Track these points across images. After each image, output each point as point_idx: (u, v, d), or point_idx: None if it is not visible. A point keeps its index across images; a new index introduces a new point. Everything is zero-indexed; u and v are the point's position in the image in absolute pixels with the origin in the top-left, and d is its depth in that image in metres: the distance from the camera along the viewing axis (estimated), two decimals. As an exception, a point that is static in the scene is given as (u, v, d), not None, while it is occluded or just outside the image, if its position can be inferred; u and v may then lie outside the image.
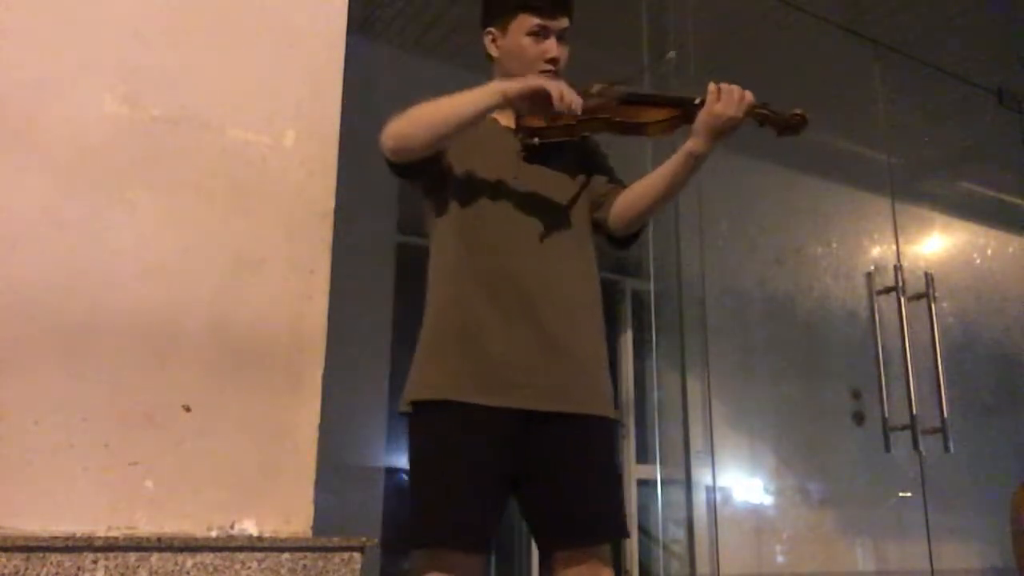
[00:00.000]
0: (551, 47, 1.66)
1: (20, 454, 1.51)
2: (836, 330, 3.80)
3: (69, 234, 1.63)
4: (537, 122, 1.65)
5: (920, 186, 4.33)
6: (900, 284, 3.45)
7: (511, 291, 1.57)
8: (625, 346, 3.64)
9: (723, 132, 1.57)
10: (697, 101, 1.59)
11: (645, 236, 1.75)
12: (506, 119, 1.70)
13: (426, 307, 1.67)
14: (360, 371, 3.10)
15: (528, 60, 1.66)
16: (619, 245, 1.76)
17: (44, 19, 1.70)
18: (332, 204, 1.88)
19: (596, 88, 1.67)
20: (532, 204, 1.63)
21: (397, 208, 3.35)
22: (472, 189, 1.64)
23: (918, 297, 3.48)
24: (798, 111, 1.62)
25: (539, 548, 1.59)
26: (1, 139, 1.61)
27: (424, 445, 1.55)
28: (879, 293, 3.48)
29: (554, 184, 1.67)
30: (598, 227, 1.72)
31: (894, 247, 3.75)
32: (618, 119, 1.64)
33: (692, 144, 1.59)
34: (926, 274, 3.53)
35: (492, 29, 1.72)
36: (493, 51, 1.73)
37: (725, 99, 1.56)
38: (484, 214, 1.61)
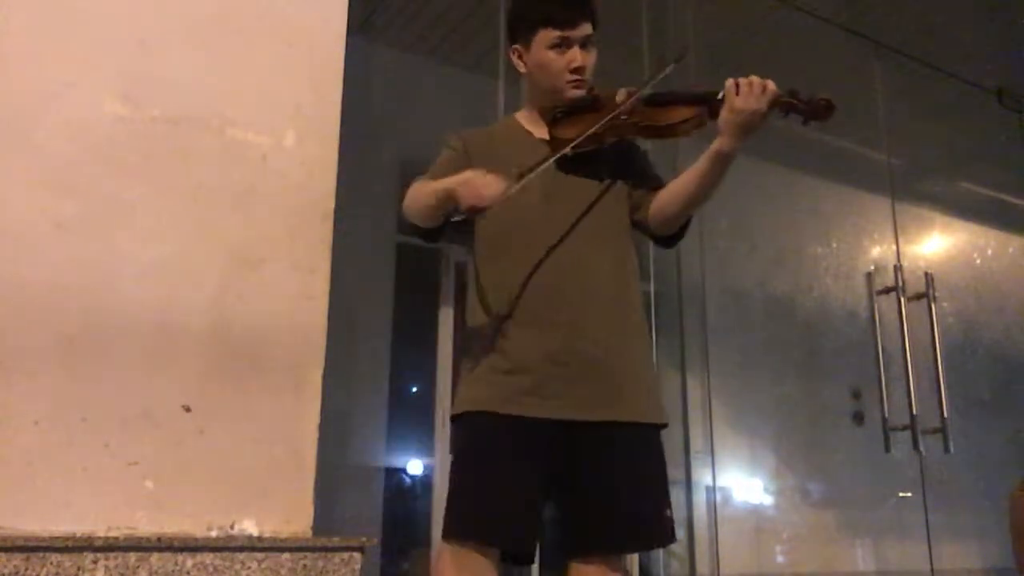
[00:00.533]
0: (574, 57, 1.66)
1: (20, 454, 1.52)
2: (836, 330, 3.81)
3: (69, 234, 1.63)
4: (568, 132, 1.65)
5: (920, 186, 4.33)
6: (900, 284, 3.45)
7: (546, 302, 1.58)
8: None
9: (749, 126, 1.52)
10: (720, 95, 1.55)
11: (690, 230, 1.74)
12: (540, 131, 1.72)
13: (465, 322, 1.69)
14: (360, 371, 3.10)
15: (553, 73, 1.68)
16: (664, 243, 1.75)
17: (45, 20, 1.70)
18: (332, 204, 1.88)
19: (622, 94, 1.66)
20: (566, 214, 1.63)
21: (397, 208, 3.34)
22: (508, 207, 1.61)
23: (918, 297, 3.47)
24: (824, 96, 1.54)
25: (565, 553, 1.57)
26: (2, 139, 1.62)
27: (466, 450, 1.58)
28: (879, 293, 3.48)
29: (590, 192, 1.67)
30: (641, 228, 1.72)
31: (894, 247, 3.75)
32: (644, 123, 1.64)
33: (718, 143, 1.55)
34: (926, 274, 3.53)
35: (517, 46, 1.73)
36: (520, 67, 1.74)
37: (744, 93, 1.51)
38: (518, 228, 1.62)
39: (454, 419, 1.61)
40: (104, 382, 1.60)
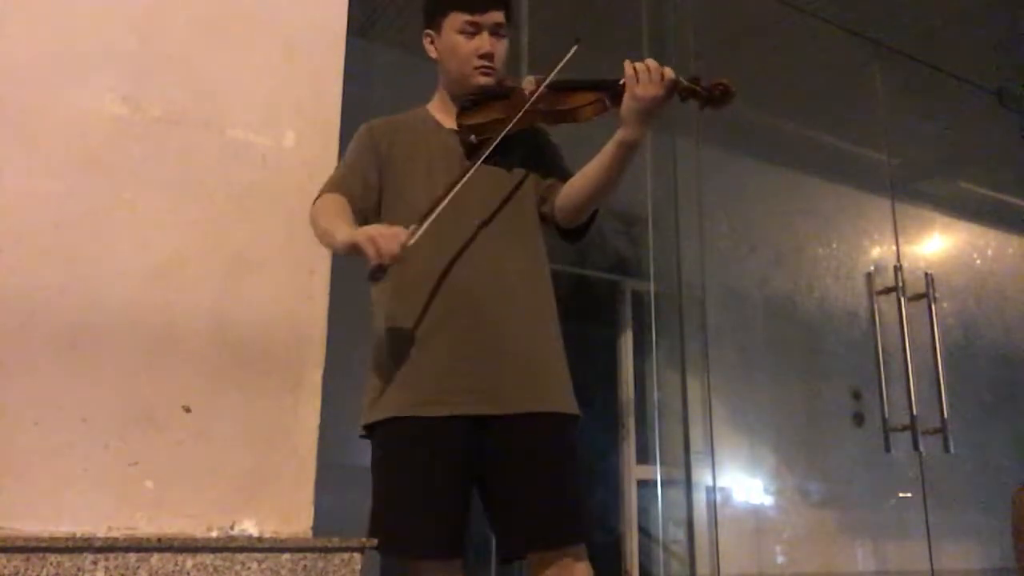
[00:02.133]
0: (483, 43, 1.64)
1: (20, 454, 1.51)
2: (836, 330, 3.81)
3: (69, 234, 1.63)
4: (473, 119, 1.64)
5: (920, 186, 4.34)
6: (900, 284, 3.45)
7: (450, 295, 1.56)
8: (625, 346, 3.63)
9: (649, 113, 1.50)
10: (621, 82, 1.54)
11: (596, 229, 1.71)
12: (450, 121, 1.70)
13: (372, 325, 1.67)
14: (360, 371, 3.10)
15: (461, 58, 1.66)
16: (569, 237, 1.71)
17: (45, 20, 1.70)
18: (332, 204, 1.88)
19: (530, 82, 1.64)
20: (473, 203, 1.60)
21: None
22: (410, 194, 1.63)
23: (918, 297, 3.48)
24: (722, 81, 1.53)
25: (497, 552, 1.57)
26: (2, 139, 1.61)
27: (382, 461, 1.58)
28: (879, 293, 3.49)
29: (498, 181, 1.64)
30: (547, 220, 1.69)
31: (894, 247, 3.75)
32: (547, 108, 1.62)
33: (621, 133, 1.53)
34: (926, 274, 3.53)
35: (429, 31, 1.73)
36: (432, 53, 1.74)
37: (644, 80, 1.48)
38: (418, 215, 1.57)
39: (367, 429, 1.60)
40: (104, 382, 1.60)
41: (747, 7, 3.49)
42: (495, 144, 1.57)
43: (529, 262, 1.64)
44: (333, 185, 1.67)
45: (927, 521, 3.40)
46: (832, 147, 4.09)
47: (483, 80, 1.66)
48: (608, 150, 1.56)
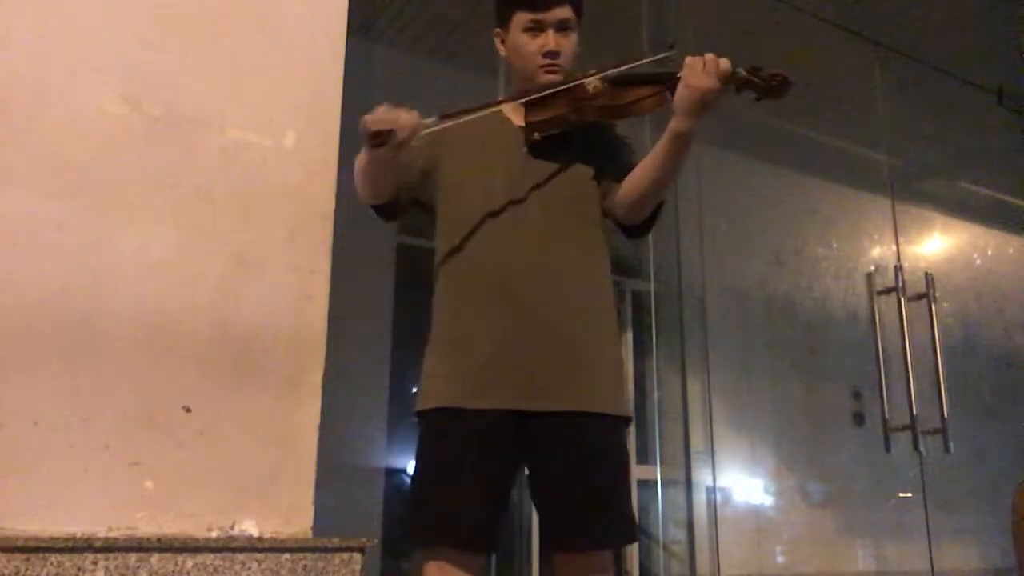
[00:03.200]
0: (547, 40, 1.63)
1: (20, 454, 1.51)
2: (836, 331, 3.81)
3: (69, 234, 1.63)
4: (537, 116, 1.63)
5: (920, 186, 4.34)
6: (900, 285, 3.44)
7: (501, 290, 1.55)
8: (625, 346, 3.63)
9: (703, 105, 1.48)
10: (679, 75, 1.52)
11: (658, 223, 1.68)
12: (517, 117, 1.68)
13: (432, 316, 1.66)
14: (360, 371, 3.10)
15: (526, 57, 1.65)
16: (630, 233, 1.69)
17: (45, 20, 1.70)
18: (332, 205, 1.88)
19: (590, 76, 1.62)
20: (531, 199, 1.59)
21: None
22: (470, 191, 1.62)
23: (918, 297, 3.47)
24: (779, 72, 1.51)
25: (543, 546, 1.58)
26: (2, 140, 1.61)
27: (423, 450, 1.57)
28: (879, 294, 3.48)
29: (558, 178, 1.62)
30: (610, 217, 1.67)
31: (894, 247, 3.75)
32: (607, 103, 1.61)
33: (673, 123, 1.51)
34: (926, 274, 3.53)
35: (498, 29, 1.71)
36: (502, 51, 1.72)
37: (698, 69, 1.47)
38: (481, 213, 1.58)
39: (416, 416, 1.59)
40: (104, 382, 1.60)
41: (747, 7, 3.49)
42: (554, 120, 1.58)
43: (585, 260, 1.62)
44: None
45: (927, 521, 3.40)
46: (832, 147, 4.09)
47: (548, 78, 1.64)
48: (661, 143, 1.54)
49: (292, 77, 1.91)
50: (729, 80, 1.49)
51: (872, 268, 3.60)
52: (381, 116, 1.43)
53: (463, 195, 1.62)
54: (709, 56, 1.48)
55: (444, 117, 1.51)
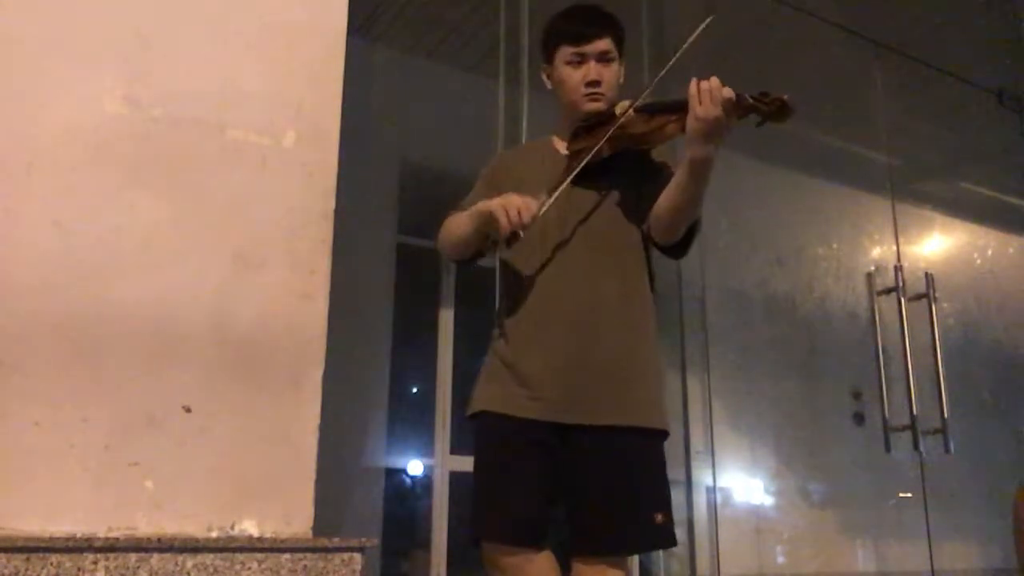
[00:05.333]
0: (589, 71, 1.72)
1: (20, 454, 1.51)
2: (836, 330, 3.80)
3: (69, 234, 1.63)
4: (579, 144, 1.72)
5: (920, 186, 4.33)
6: (900, 285, 3.44)
7: (550, 307, 1.67)
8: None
9: (712, 133, 1.50)
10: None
11: (695, 241, 1.77)
12: (564, 146, 1.78)
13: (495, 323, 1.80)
14: (360, 371, 3.10)
15: (570, 88, 1.75)
16: (670, 253, 1.78)
17: (44, 19, 1.70)
18: (332, 205, 1.88)
19: (623, 105, 1.70)
20: (579, 226, 1.70)
21: (397, 208, 3.35)
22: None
23: (918, 297, 3.47)
24: (780, 97, 1.52)
25: (568, 552, 1.63)
26: (1, 139, 1.61)
27: (478, 449, 1.70)
28: (879, 293, 3.48)
29: (601, 205, 1.72)
30: (649, 239, 1.76)
31: (894, 247, 3.75)
32: (635, 132, 1.67)
33: (688, 152, 1.55)
34: (926, 274, 3.53)
35: (545, 65, 1.82)
36: (548, 85, 1.83)
37: (703, 101, 1.49)
38: (535, 241, 1.68)
39: (470, 417, 1.72)
40: (104, 382, 1.60)
41: (747, 7, 3.49)
42: (589, 157, 1.66)
43: (628, 280, 1.72)
44: (455, 210, 1.80)
45: (927, 521, 3.40)
46: (832, 147, 4.09)
47: (593, 106, 1.73)
48: (681, 169, 1.59)
49: (292, 77, 1.91)
50: (732, 108, 1.51)
51: (872, 268, 3.60)
52: (514, 216, 1.54)
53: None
54: (714, 82, 1.50)
55: (550, 193, 1.61)
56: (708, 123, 1.49)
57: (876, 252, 3.91)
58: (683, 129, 1.56)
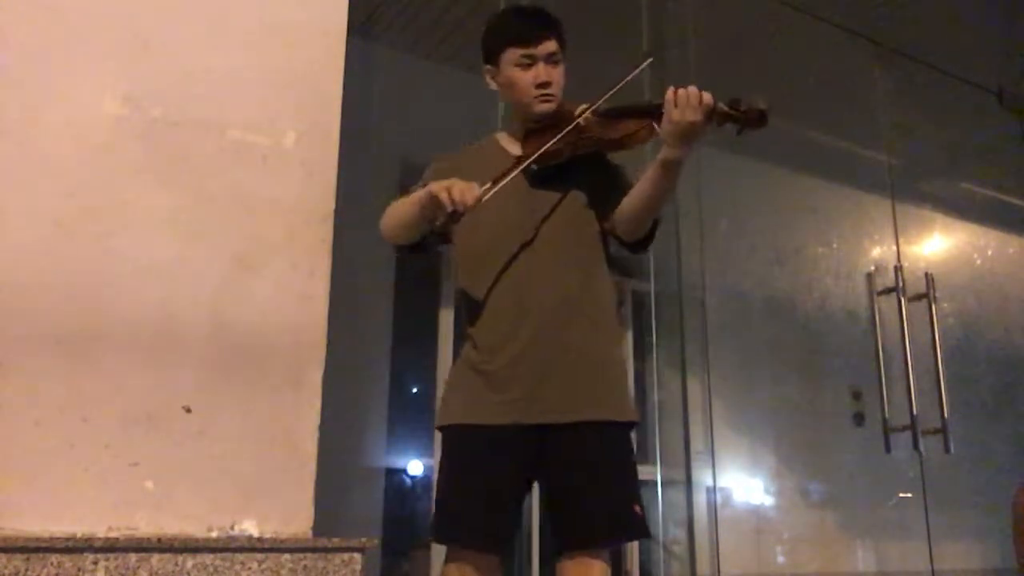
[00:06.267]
0: (539, 73, 1.72)
1: (20, 454, 1.51)
2: (836, 331, 3.80)
3: (69, 234, 1.63)
4: (531, 149, 1.72)
5: (920, 186, 4.33)
6: (900, 285, 3.44)
7: (514, 311, 1.67)
8: (625, 346, 3.63)
9: (689, 136, 1.55)
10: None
11: (659, 235, 1.78)
12: (515, 148, 1.79)
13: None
14: (360, 371, 3.10)
15: (521, 90, 1.74)
16: (632, 249, 1.80)
17: (44, 20, 1.70)
18: (332, 205, 1.88)
19: (580, 109, 1.71)
20: (537, 227, 1.71)
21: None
22: (484, 225, 1.71)
23: (918, 297, 3.47)
24: (759, 106, 1.55)
25: (553, 549, 1.66)
26: (2, 140, 1.62)
27: (444, 460, 1.70)
28: (879, 294, 3.48)
29: (560, 204, 1.74)
30: (612, 235, 1.78)
31: (894, 247, 3.75)
32: (599, 137, 1.70)
33: (663, 152, 1.59)
34: (926, 274, 3.53)
35: (488, 66, 1.81)
36: (493, 86, 1.82)
37: (682, 104, 1.53)
38: (494, 242, 1.71)
39: (439, 429, 1.73)
40: (104, 382, 1.60)
41: (747, 7, 3.49)
42: (542, 152, 1.67)
43: (589, 278, 1.73)
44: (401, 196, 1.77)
45: (927, 521, 3.40)
46: (832, 147, 4.09)
47: (544, 107, 1.74)
48: (652, 168, 1.62)
49: (292, 77, 1.91)
50: (711, 114, 1.55)
51: (872, 268, 3.60)
52: (457, 196, 1.52)
53: (478, 229, 1.72)
54: (692, 90, 1.54)
55: (495, 182, 1.60)
56: (683, 127, 1.54)
57: (876, 252, 3.91)
58: (651, 136, 1.64)
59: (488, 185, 1.58)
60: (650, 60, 1.65)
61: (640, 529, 1.65)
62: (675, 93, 1.54)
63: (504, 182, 1.61)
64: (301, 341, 1.79)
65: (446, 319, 3.34)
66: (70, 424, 1.56)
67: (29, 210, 1.61)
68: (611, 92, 1.67)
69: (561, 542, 1.62)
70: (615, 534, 1.68)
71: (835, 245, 3.95)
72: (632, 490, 1.65)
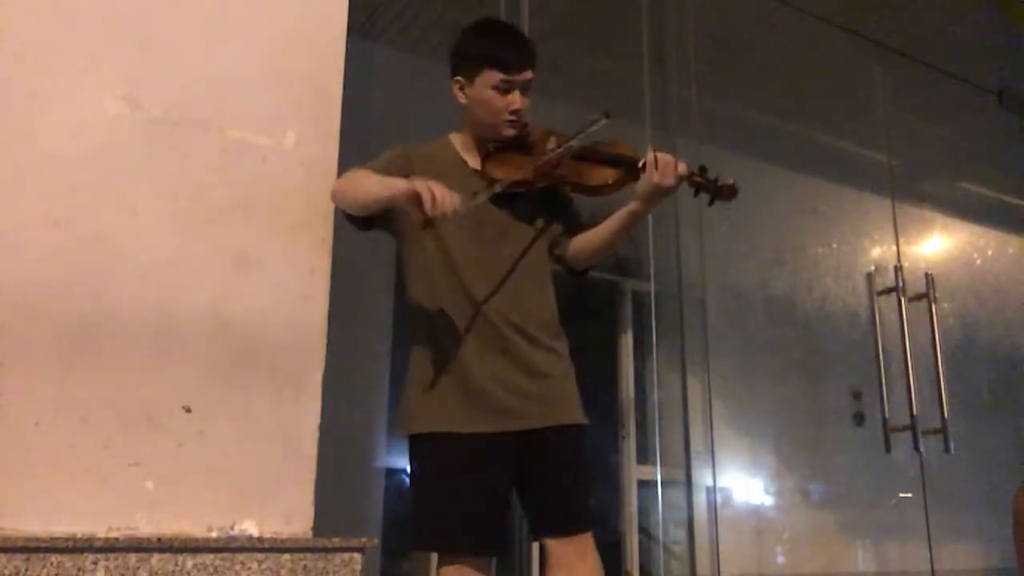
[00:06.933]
0: (515, 100, 1.78)
1: (20, 454, 1.51)
2: (836, 331, 3.80)
3: (69, 234, 1.63)
4: (498, 169, 1.78)
5: (920, 186, 4.33)
6: (900, 285, 3.44)
7: (482, 325, 1.74)
8: (625, 347, 3.63)
9: (661, 197, 1.76)
10: (641, 163, 1.75)
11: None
12: (473, 160, 1.85)
13: (410, 340, 1.82)
14: (360, 371, 3.10)
15: (493, 111, 1.79)
16: (576, 275, 1.95)
17: (44, 20, 1.70)
18: (332, 204, 1.88)
19: (552, 143, 1.78)
20: (495, 242, 1.79)
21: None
22: (435, 236, 1.76)
23: (918, 298, 3.47)
24: (729, 181, 1.78)
25: (532, 533, 1.80)
26: (2, 140, 1.62)
27: (425, 468, 1.75)
28: (879, 294, 3.48)
29: (518, 226, 1.82)
30: (557, 260, 1.91)
31: (894, 248, 3.75)
32: (572, 179, 1.81)
33: (634, 206, 1.77)
34: (926, 275, 3.53)
35: (460, 78, 1.84)
36: (461, 98, 1.85)
37: (662, 169, 1.72)
38: (451, 254, 1.76)
39: (411, 438, 1.76)
40: (104, 382, 1.60)
41: (747, 7, 3.49)
42: (515, 183, 1.74)
43: (544, 295, 1.85)
44: (365, 168, 1.76)
45: (927, 521, 3.40)
46: (832, 147, 4.09)
47: (510, 132, 1.81)
48: (619, 218, 1.80)
49: (292, 77, 1.91)
50: (684, 180, 1.76)
51: (872, 268, 3.60)
52: (439, 201, 1.54)
53: (427, 238, 1.76)
54: (669, 158, 1.74)
55: (472, 197, 1.64)
56: (660, 190, 1.74)
57: (876, 252, 3.91)
58: (621, 188, 1.80)
59: (464, 199, 1.59)
60: (607, 119, 1.74)
61: (592, 519, 1.81)
62: (655, 158, 1.72)
63: (478, 201, 1.65)
64: (301, 341, 1.79)
65: (446, 319, 3.33)
66: (70, 424, 1.56)
67: (29, 210, 1.61)
68: (579, 135, 1.76)
69: (546, 526, 1.74)
70: (587, 524, 1.80)
71: (835, 245, 3.95)
72: (591, 485, 1.84)
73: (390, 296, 3.29)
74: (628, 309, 3.66)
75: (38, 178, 1.63)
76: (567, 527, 1.74)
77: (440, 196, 1.53)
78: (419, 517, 1.72)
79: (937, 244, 4.33)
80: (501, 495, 1.74)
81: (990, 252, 4.57)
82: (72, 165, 1.66)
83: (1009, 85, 4.11)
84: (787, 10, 3.49)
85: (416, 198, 1.54)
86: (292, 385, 1.76)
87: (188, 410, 1.65)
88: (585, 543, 1.74)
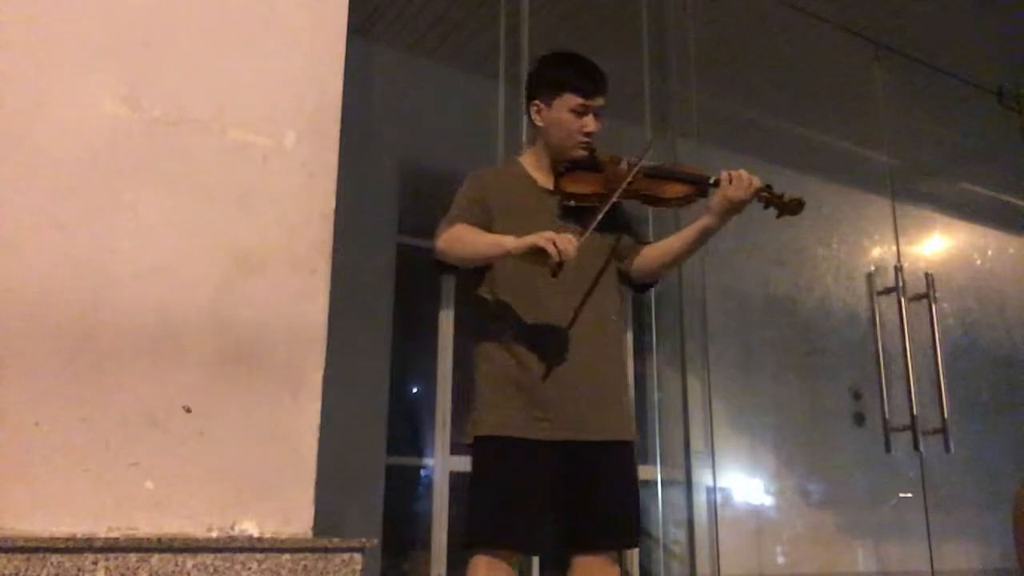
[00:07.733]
0: (589, 123, 1.91)
1: (20, 454, 1.51)
2: (837, 331, 3.81)
3: (69, 234, 1.63)
4: (574, 187, 1.90)
5: (920, 186, 4.34)
6: (900, 285, 3.45)
7: (551, 339, 1.82)
8: (625, 346, 3.63)
9: (734, 211, 1.86)
10: (712, 180, 1.87)
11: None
12: (544, 178, 1.96)
13: (477, 353, 1.90)
14: (360, 371, 3.10)
15: (568, 133, 1.91)
16: (639, 290, 2.05)
17: (45, 20, 1.70)
18: (332, 205, 1.88)
19: (626, 162, 1.91)
20: (572, 264, 1.81)
21: (397, 208, 3.35)
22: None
23: (918, 298, 3.48)
24: (797, 196, 1.91)
25: (566, 548, 1.83)
26: (1, 139, 1.61)
27: (487, 469, 1.82)
28: (880, 294, 3.49)
29: (594, 242, 1.85)
30: (622, 275, 1.98)
31: (894, 248, 3.75)
32: (645, 192, 1.91)
33: (708, 221, 1.86)
34: (926, 275, 3.53)
35: (538, 101, 1.95)
36: (538, 121, 1.96)
37: (736, 184, 1.83)
38: (524, 270, 1.80)
39: (477, 438, 1.84)
40: (104, 382, 1.60)
41: (747, 7, 3.49)
42: (605, 211, 1.82)
43: (613, 311, 1.92)
44: (458, 219, 1.87)
45: (927, 521, 3.40)
46: (832, 147, 4.09)
47: (582, 152, 1.92)
48: (691, 233, 1.89)
49: (292, 77, 1.91)
50: (758, 196, 1.87)
51: (872, 268, 3.60)
52: (562, 248, 1.64)
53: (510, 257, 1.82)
54: (743, 173, 1.85)
55: (580, 233, 1.74)
56: (735, 204, 1.84)
57: (876, 252, 3.91)
58: (691, 203, 1.91)
59: (581, 233, 1.72)
60: (651, 143, 2.00)
61: (639, 537, 1.91)
62: (730, 175, 1.83)
63: (592, 227, 1.76)
64: (301, 341, 1.79)
65: (446, 319, 3.34)
66: (70, 424, 1.55)
67: (29, 210, 1.61)
68: (645, 155, 1.92)
69: (582, 541, 1.79)
70: (632, 541, 1.90)
71: (835, 245, 3.95)
72: (639, 502, 1.88)
73: (390, 296, 3.30)
74: (628, 309, 3.65)
75: (38, 178, 1.63)
76: (623, 538, 1.83)
77: (563, 246, 1.63)
78: (475, 515, 1.79)
79: (937, 244, 4.33)
80: (554, 500, 1.79)
81: (990, 252, 4.58)
82: (72, 165, 1.66)
83: (1009, 85, 4.12)
84: (787, 10, 3.49)
85: (540, 251, 1.65)
86: (292, 385, 1.76)
87: (188, 410, 1.65)
88: (614, 555, 1.81)
